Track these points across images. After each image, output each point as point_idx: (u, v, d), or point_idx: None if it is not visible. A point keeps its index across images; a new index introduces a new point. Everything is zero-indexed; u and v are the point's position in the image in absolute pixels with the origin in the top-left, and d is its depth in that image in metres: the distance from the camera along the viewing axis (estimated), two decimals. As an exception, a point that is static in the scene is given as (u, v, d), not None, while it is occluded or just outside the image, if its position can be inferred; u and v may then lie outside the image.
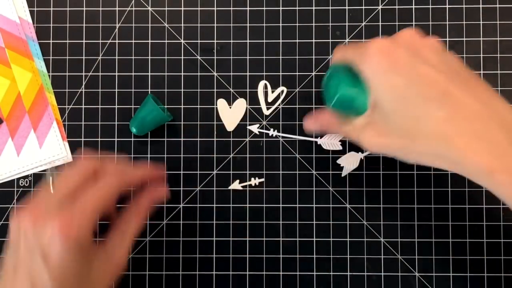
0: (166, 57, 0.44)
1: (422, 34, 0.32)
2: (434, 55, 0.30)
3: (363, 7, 0.44)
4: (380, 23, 0.44)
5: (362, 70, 0.31)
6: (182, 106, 0.44)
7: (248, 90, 0.44)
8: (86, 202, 0.32)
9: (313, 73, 0.44)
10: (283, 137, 0.43)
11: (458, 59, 0.31)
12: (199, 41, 0.44)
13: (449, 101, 0.28)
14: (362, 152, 0.43)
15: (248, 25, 0.44)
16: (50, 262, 0.29)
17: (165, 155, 0.43)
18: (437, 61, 0.30)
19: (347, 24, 0.44)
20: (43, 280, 0.29)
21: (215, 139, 0.44)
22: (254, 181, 0.42)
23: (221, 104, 0.44)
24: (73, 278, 0.30)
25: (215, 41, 0.44)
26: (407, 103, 0.29)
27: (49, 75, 0.44)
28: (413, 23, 0.44)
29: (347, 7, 0.44)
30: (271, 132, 0.43)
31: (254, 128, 0.43)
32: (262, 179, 0.43)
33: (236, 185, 0.43)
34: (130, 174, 0.37)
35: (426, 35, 0.32)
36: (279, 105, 0.44)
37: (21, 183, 0.43)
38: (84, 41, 0.44)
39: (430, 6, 0.44)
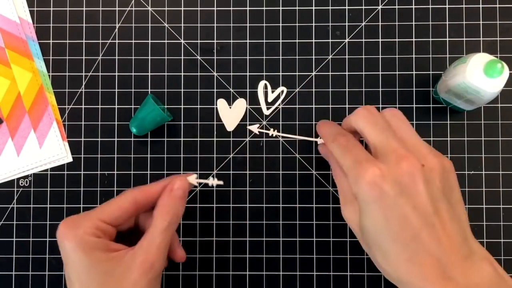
0: (166, 57, 0.44)
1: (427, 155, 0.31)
2: (424, 185, 0.30)
3: (363, 7, 0.44)
4: (380, 23, 0.44)
5: (354, 190, 0.32)
6: (182, 106, 0.44)
7: (248, 90, 0.44)
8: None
9: (313, 73, 0.44)
10: (283, 137, 0.43)
11: (452, 182, 0.32)
12: (199, 41, 0.44)
13: (414, 247, 0.30)
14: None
15: (248, 25, 0.44)
16: None
17: (165, 155, 0.43)
18: (424, 196, 0.30)
19: (347, 24, 0.44)
20: None
21: (215, 139, 0.44)
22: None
23: (221, 104, 0.44)
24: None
25: (215, 41, 0.44)
26: (380, 236, 0.31)
27: (49, 75, 0.44)
28: (413, 23, 0.44)
29: (347, 7, 0.44)
30: (271, 132, 0.43)
31: (254, 128, 0.43)
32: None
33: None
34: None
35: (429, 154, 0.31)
36: (279, 105, 0.44)
37: (21, 183, 0.43)
38: (84, 41, 0.44)
39: (430, 6, 0.44)
